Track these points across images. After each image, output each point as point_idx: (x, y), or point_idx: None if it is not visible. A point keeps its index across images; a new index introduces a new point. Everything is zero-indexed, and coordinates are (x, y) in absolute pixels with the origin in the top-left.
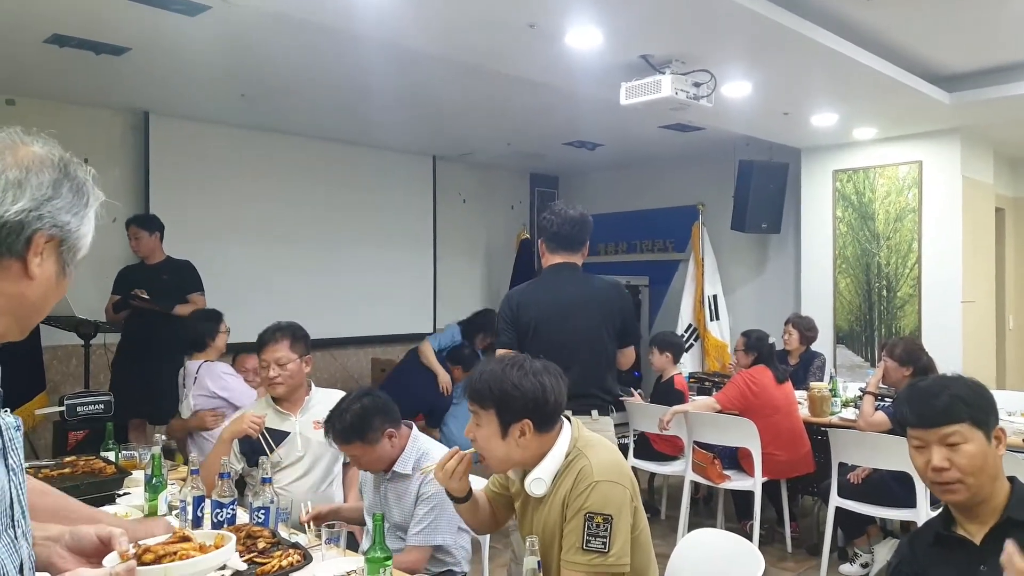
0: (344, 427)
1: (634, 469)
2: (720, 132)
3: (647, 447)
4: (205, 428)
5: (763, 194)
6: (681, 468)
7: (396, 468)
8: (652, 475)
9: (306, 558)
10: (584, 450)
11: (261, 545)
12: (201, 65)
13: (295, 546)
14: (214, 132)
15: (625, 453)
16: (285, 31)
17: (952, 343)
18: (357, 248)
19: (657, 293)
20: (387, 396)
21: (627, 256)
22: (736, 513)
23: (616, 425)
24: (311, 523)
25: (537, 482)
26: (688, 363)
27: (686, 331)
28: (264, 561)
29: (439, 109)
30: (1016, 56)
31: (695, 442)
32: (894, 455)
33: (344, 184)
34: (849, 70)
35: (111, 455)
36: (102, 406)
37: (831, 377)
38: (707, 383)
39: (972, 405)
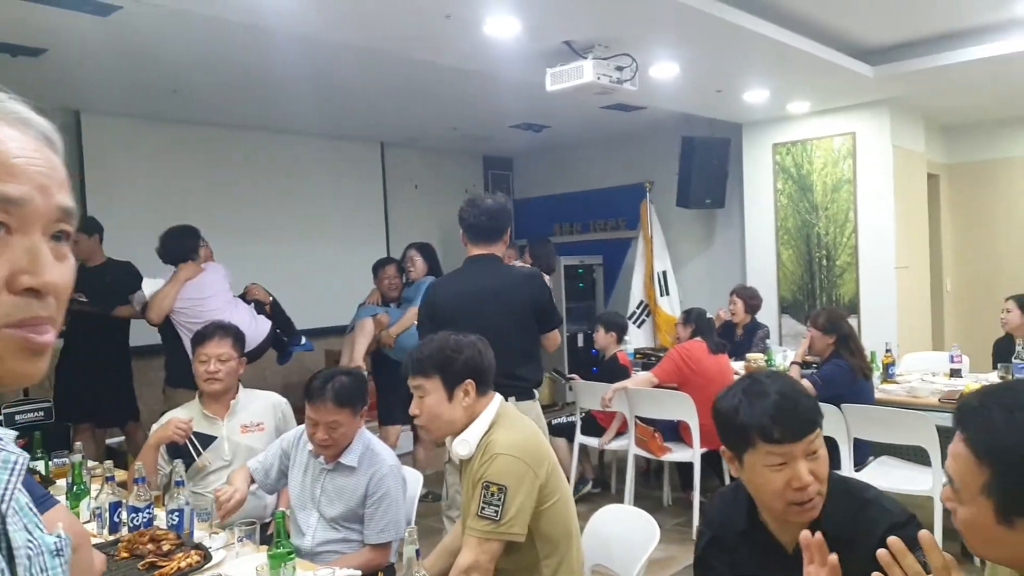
0: (345, 390)
1: (583, 447)
2: (662, 110)
3: (594, 424)
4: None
5: (706, 170)
6: (626, 443)
7: (343, 460)
8: (602, 451)
9: (206, 558)
10: (499, 426)
11: (166, 548)
12: (127, 63)
13: (198, 547)
14: (149, 129)
15: (572, 431)
16: (206, 27)
17: (887, 308)
18: (307, 239)
19: (611, 271)
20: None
21: (581, 236)
22: (680, 483)
23: (567, 404)
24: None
25: (462, 443)
26: (641, 339)
27: (638, 307)
28: (163, 564)
29: (379, 97)
30: (935, 28)
31: (637, 417)
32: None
33: (289, 175)
34: (772, 50)
35: (40, 464)
36: (42, 413)
37: (766, 347)
38: (652, 358)
39: (816, 406)
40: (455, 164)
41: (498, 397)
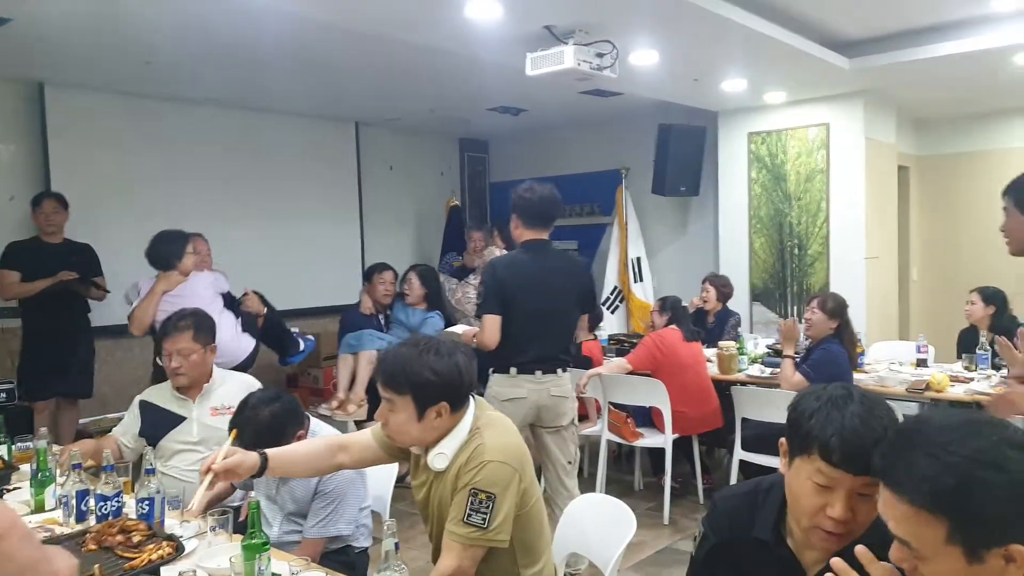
0: (257, 437)
1: None
2: (639, 97)
3: None
4: None
5: (682, 157)
6: (598, 429)
7: None
8: None
9: (178, 550)
10: (484, 429)
11: (136, 539)
12: (98, 33)
13: (170, 538)
14: (119, 103)
15: None
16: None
17: (857, 298)
18: (278, 220)
19: (586, 257)
20: (292, 396)
21: (557, 221)
22: (652, 468)
23: None
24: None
25: (440, 456)
26: (615, 324)
27: (612, 293)
28: (133, 556)
29: (356, 75)
30: (911, 22)
31: (610, 402)
32: None
33: (263, 154)
34: (751, 40)
35: (2, 448)
36: (4, 394)
37: (738, 335)
38: (626, 344)
39: None
40: (430, 146)
41: (472, 403)
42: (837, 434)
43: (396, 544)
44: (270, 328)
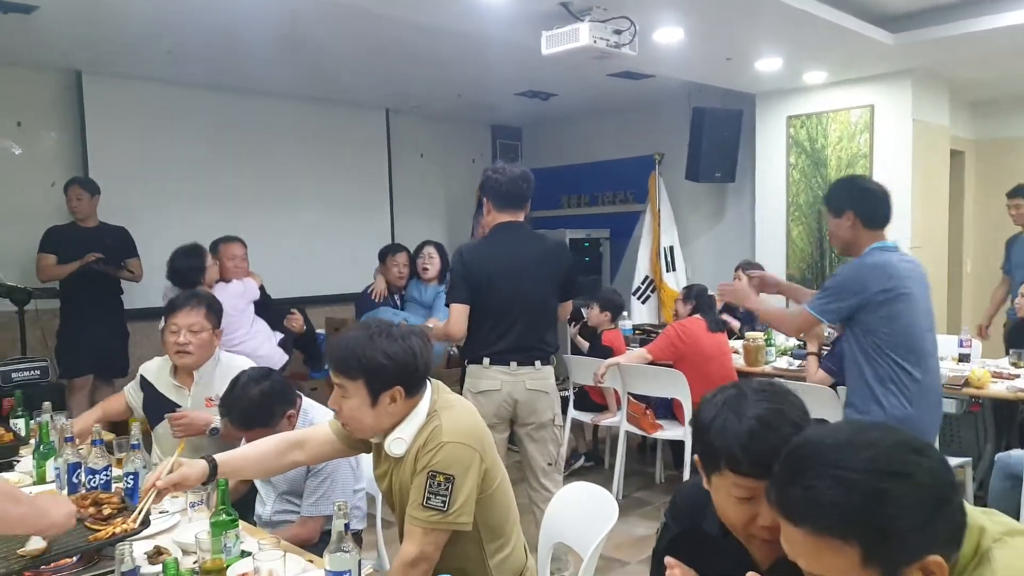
0: (246, 416)
1: (575, 421)
2: (672, 79)
3: (585, 399)
4: None
5: (717, 142)
6: (618, 419)
7: None
8: (596, 426)
9: (143, 524)
10: (441, 411)
11: (107, 511)
12: (121, 21)
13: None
14: (151, 90)
15: (565, 406)
16: None
17: None
18: (309, 206)
19: (619, 245)
20: (282, 377)
21: (589, 208)
22: (673, 462)
23: (564, 379)
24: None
25: (397, 442)
26: (645, 314)
27: (643, 283)
28: (99, 528)
29: (379, 61)
30: None
31: (630, 393)
32: (816, 405)
33: (291, 140)
34: (784, 15)
35: (21, 422)
36: (38, 372)
37: (766, 327)
38: (652, 335)
39: None
40: (462, 133)
41: (428, 387)
42: (737, 442)
43: (346, 525)
44: (304, 338)
